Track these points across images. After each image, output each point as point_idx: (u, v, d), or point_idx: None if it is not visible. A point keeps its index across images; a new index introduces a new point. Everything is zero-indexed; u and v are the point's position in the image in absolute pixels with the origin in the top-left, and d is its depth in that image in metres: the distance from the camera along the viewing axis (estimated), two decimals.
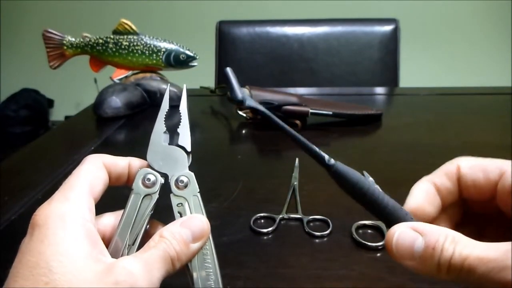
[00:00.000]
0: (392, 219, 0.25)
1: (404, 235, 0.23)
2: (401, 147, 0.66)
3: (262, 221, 0.45)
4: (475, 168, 0.25)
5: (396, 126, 0.76)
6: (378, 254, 0.39)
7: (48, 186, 0.54)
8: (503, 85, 1.02)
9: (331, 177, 0.26)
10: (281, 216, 0.45)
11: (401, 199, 0.27)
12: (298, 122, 0.72)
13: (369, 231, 0.43)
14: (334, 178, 0.26)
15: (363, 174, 0.26)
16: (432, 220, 0.26)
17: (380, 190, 0.26)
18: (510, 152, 0.57)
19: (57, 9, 2.51)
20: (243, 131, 0.75)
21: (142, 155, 0.30)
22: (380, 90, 1.11)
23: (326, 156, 0.26)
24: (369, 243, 0.40)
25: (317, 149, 0.27)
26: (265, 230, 0.43)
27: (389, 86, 1.23)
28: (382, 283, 0.36)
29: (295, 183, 0.52)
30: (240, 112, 0.76)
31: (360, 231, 0.43)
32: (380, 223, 0.43)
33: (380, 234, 0.42)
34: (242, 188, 0.52)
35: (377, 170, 0.44)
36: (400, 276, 0.36)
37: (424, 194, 0.26)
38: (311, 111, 0.72)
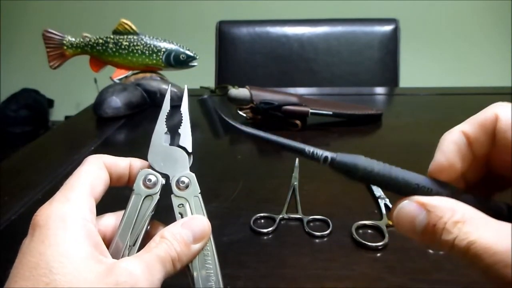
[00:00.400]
0: (406, 191, 0.24)
1: (405, 209, 0.22)
2: (401, 147, 0.66)
3: (262, 221, 0.45)
4: None
5: (396, 126, 0.76)
6: (378, 254, 0.39)
7: (48, 186, 0.54)
8: (503, 85, 1.02)
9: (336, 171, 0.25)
10: (281, 216, 0.45)
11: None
12: (298, 122, 0.72)
13: (369, 231, 0.43)
14: (340, 172, 0.25)
15: None
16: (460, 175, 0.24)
17: (385, 164, 0.24)
18: None
19: (57, 9, 2.51)
20: None
21: (143, 155, 0.30)
22: (380, 90, 1.11)
23: (323, 155, 0.25)
24: (369, 243, 0.40)
25: (316, 149, 0.26)
26: (265, 230, 0.43)
27: (389, 86, 1.23)
28: (382, 283, 0.36)
29: (295, 183, 0.52)
30: (240, 112, 0.76)
31: (360, 231, 0.43)
32: (380, 223, 0.43)
33: (380, 234, 0.42)
34: (242, 188, 0.52)
35: None
36: (400, 276, 0.36)
37: (455, 148, 0.24)
38: (311, 111, 0.72)
